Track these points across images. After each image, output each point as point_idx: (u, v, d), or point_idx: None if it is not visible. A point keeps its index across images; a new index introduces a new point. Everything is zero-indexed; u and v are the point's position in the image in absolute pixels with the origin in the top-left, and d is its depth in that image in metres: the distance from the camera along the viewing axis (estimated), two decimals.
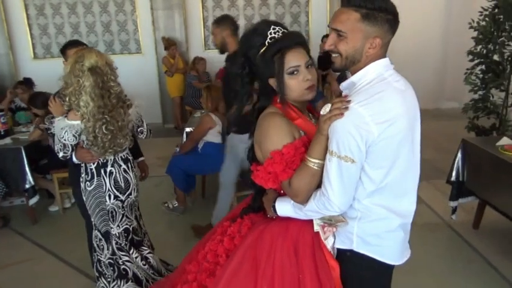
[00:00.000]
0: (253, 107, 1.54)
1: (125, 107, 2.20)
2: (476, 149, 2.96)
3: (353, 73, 1.33)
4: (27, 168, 3.65)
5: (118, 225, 2.30)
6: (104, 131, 2.10)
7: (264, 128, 1.43)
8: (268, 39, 1.42)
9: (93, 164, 2.22)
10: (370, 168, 1.29)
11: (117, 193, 2.25)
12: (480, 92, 4.52)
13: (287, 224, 1.48)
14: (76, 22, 7.07)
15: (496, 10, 4.34)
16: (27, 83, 4.75)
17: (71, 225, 3.70)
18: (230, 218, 1.70)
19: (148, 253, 2.45)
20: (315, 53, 6.68)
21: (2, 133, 3.91)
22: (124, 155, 2.30)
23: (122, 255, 2.32)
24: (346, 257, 1.42)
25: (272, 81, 1.44)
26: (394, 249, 1.42)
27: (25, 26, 6.97)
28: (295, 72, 1.39)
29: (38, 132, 3.80)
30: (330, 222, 1.40)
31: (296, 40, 1.42)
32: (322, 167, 1.32)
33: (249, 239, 1.51)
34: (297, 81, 1.40)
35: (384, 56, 1.32)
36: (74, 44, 2.62)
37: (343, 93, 1.38)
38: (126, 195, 2.28)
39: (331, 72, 5.97)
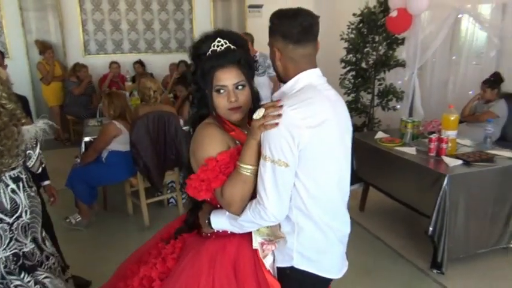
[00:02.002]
0: (192, 115, 1.52)
1: (19, 125, 2.00)
2: (361, 143, 3.48)
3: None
4: None
5: (5, 249, 2.09)
6: None
7: (199, 138, 1.41)
8: (209, 51, 1.39)
9: None
10: (303, 174, 1.29)
11: (1, 215, 2.03)
12: (352, 95, 5.25)
13: (224, 242, 1.44)
14: None
15: (361, 24, 5.10)
16: None
17: None
18: (164, 239, 1.62)
19: (44, 277, 2.21)
20: None
21: None
22: (14, 174, 2.07)
23: (13, 279, 2.12)
24: (285, 275, 1.41)
25: (208, 92, 1.42)
26: (334, 262, 1.44)
27: None
28: (221, 91, 1.38)
29: None
30: (270, 238, 1.40)
31: (232, 59, 1.38)
32: (254, 173, 1.30)
33: (184, 262, 1.44)
34: (223, 101, 1.38)
35: (310, 67, 1.37)
36: None
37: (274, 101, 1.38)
38: (14, 217, 2.07)
39: None
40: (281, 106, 1.26)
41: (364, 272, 2.88)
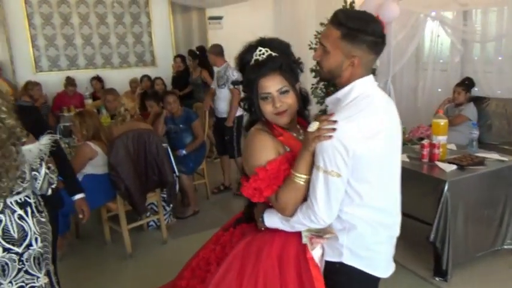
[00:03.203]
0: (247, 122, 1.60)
1: (19, 145, 1.81)
2: None
3: (338, 87, 1.41)
4: None
5: (10, 282, 1.88)
6: None
7: (249, 145, 1.50)
8: (252, 61, 1.46)
9: None
10: (355, 181, 1.34)
11: (8, 245, 1.84)
12: (325, 104, 5.25)
13: (274, 235, 1.51)
14: None
15: None
16: None
17: None
18: (224, 228, 1.74)
19: None
20: (167, 73, 6.64)
21: None
22: (21, 199, 1.88)
23: None
24: (335, 269, 1.46)
25: (255, 99, 1.49)
26: (383, 261, 1.49)
27: None
28: (266, 98, 1.45)
29: None
30: (318, 234, 1.45)
31: (273, 66, 1.44)
32: (307, 182, 1.37)
33: (237, 248, 1.54)
34: (269, 107, 1.45)
35: (367, 74, 1.38)
36: None
37: (328, 109, 1.46)
38: (23, 246, 1.88)
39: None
40: (335, 121, 1.29)
41: None
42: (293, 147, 1.48)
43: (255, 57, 1.45)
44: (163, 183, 3.40)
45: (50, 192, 1.96)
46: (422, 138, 3.20)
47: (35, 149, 1.87)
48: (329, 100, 1.46)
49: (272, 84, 1.44)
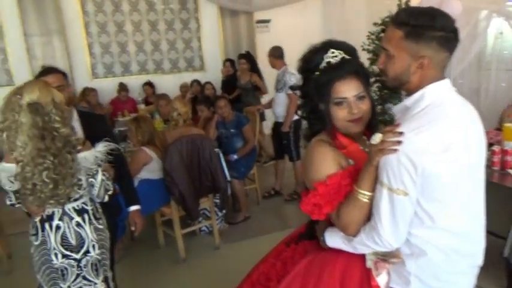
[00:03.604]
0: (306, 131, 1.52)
1: (74, 152, 1.84)
2: None
3: (407, 94, 1.29)
4: None
5: (69, 286, 1.93)
6: (45, 178, 1.75)
7: (309, 157, 1.41)
8: (324, 63, 1.36)
9: (37, 216, 1.89)
10: (426, 201, 1.19)
11: (67, 252, 1.90)
12: (380, 107, 5.06)
13: (337, 255, 1.41)
14: None
15: (382, 34, 4.94)
16: None
17: None
18: (285, 242, 1.66)
19: None
20: (216, 77, 6.69)
21: None
22: (78, 205, 1.93)
23: None
24: None
25: (321, 107, 1.39)
26: None
27: None
28: (341, 104, 1.34)
29: None
30: (384, 258, 1.33)
31: (350, 69, 1.34)
32: (372, 199, 1.25)
33: (299, 266, 1.47)
34: (343, 113, 1.35)
35: (441, 77, 1.24)
36: (49, 71, 2.13)
37: (395, 119, 1.34)
38: (81, 253, 1.92)
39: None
40: (401, 132, 1.16)
41: None
42: (358, 161, 1.36)
43: (326, 60, 1.36)
44: (216, 189, 3.39)
45: (106, 198, 1.99)
46: (492, 144, 2.96)
47: (90, 156, 1.89)
48: (396, 109, 1.34)
49: (349, 89, 1.34)
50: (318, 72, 1.37)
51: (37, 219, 1.90)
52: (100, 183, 1.92)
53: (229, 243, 3.62)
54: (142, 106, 6.04)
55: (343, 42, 1.42)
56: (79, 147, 1.87)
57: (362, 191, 1.25)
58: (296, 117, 4.34)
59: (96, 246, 1.96)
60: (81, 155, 1.86)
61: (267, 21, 7.42)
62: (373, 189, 1.24)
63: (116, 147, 1.97)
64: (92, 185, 1.92)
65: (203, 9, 7.01)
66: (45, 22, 6.12)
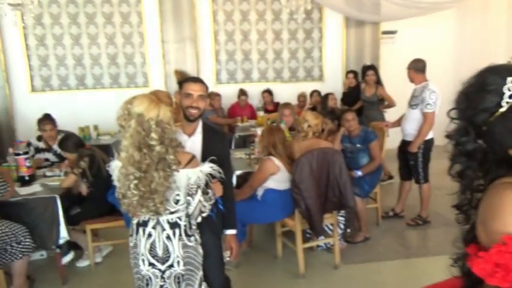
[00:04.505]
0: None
1: (170, 171, 1.83)
2: None
3: None
4: (62, 221, 3.17)
5: None
6: (132, 188, 1.80)
7: (495, 203, 1.09)
8: (508, 98, 1.09)
9: (135, 219, 1.97)
10: None
11: (153, 260, 1.93)
12: None
13: None
14: (80, 54, 6.64)
15: None
16: (49, 119, 4.20)
17: (105, 283, 3.24)
18: None
19: None
20: (335, 88, 6.57)
21: (27, 178, 3.42)
22: (173, 219, 1.92)
23: None
24: None
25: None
26: None
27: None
28: None
29: (72, 178, 3.35)
30: None
31: None
32: None
33: None
34: None
35: None
36: (197, 80, 2.29)
37: None
38: (165, 265, 1.93)
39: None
40: None
41: None
42: None
43: (510, 92, 1.08)
44: (343, 206, 3.25)
45: (199, 219, 1.96)
46: None
47: (193, 175, 1.88)
48: None
49: None
50: (504, 111, 1.09)
51: (135, 221, 1.96)
52: (196, 204, 1.90)
53: (348, 264, 3.45)
54: (261, 113, 6.15)
55: None
56: (174, 167, 1.83)
57: None
58: (429, 137, 4.02)
59: (181, 262, 1.95)
60: (183, 172, 1.86)
61: (394, 32, 7.07)
62: None
63: (218, 171, 1.94)
64: (188, 203, 1.91)
65: (328, 19, 6.94)
66: (180, 30, 6.60)
